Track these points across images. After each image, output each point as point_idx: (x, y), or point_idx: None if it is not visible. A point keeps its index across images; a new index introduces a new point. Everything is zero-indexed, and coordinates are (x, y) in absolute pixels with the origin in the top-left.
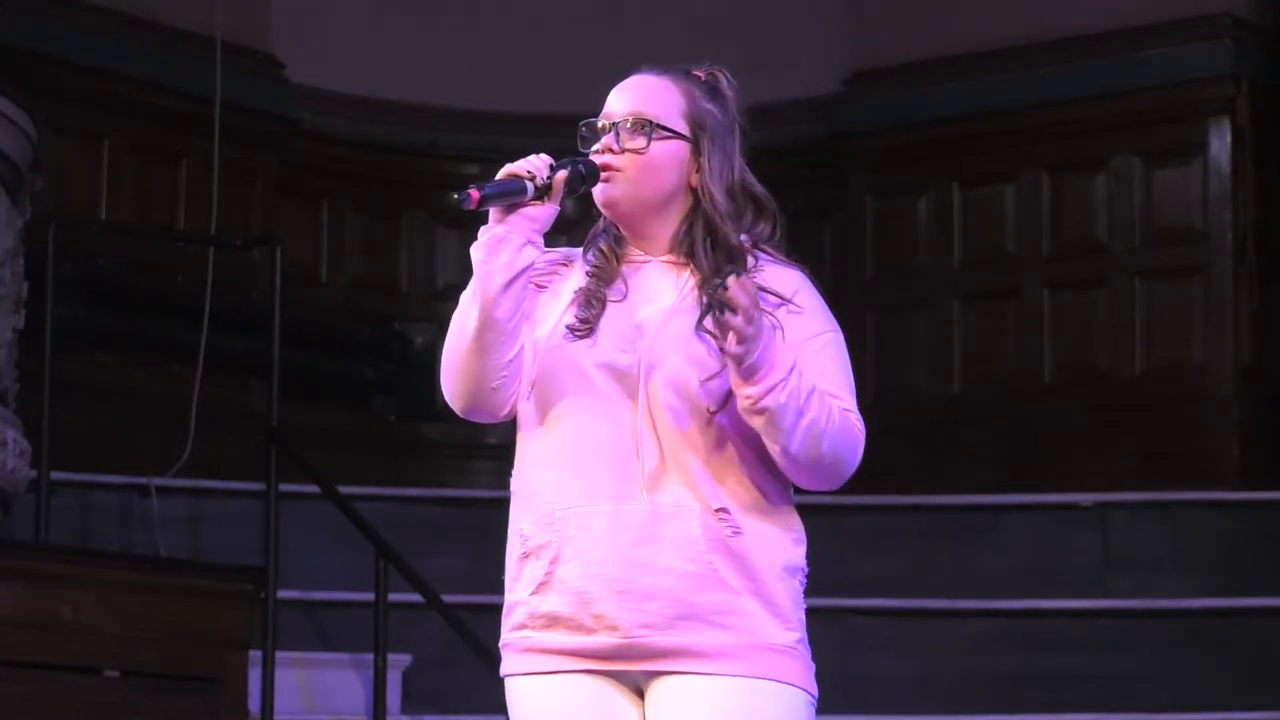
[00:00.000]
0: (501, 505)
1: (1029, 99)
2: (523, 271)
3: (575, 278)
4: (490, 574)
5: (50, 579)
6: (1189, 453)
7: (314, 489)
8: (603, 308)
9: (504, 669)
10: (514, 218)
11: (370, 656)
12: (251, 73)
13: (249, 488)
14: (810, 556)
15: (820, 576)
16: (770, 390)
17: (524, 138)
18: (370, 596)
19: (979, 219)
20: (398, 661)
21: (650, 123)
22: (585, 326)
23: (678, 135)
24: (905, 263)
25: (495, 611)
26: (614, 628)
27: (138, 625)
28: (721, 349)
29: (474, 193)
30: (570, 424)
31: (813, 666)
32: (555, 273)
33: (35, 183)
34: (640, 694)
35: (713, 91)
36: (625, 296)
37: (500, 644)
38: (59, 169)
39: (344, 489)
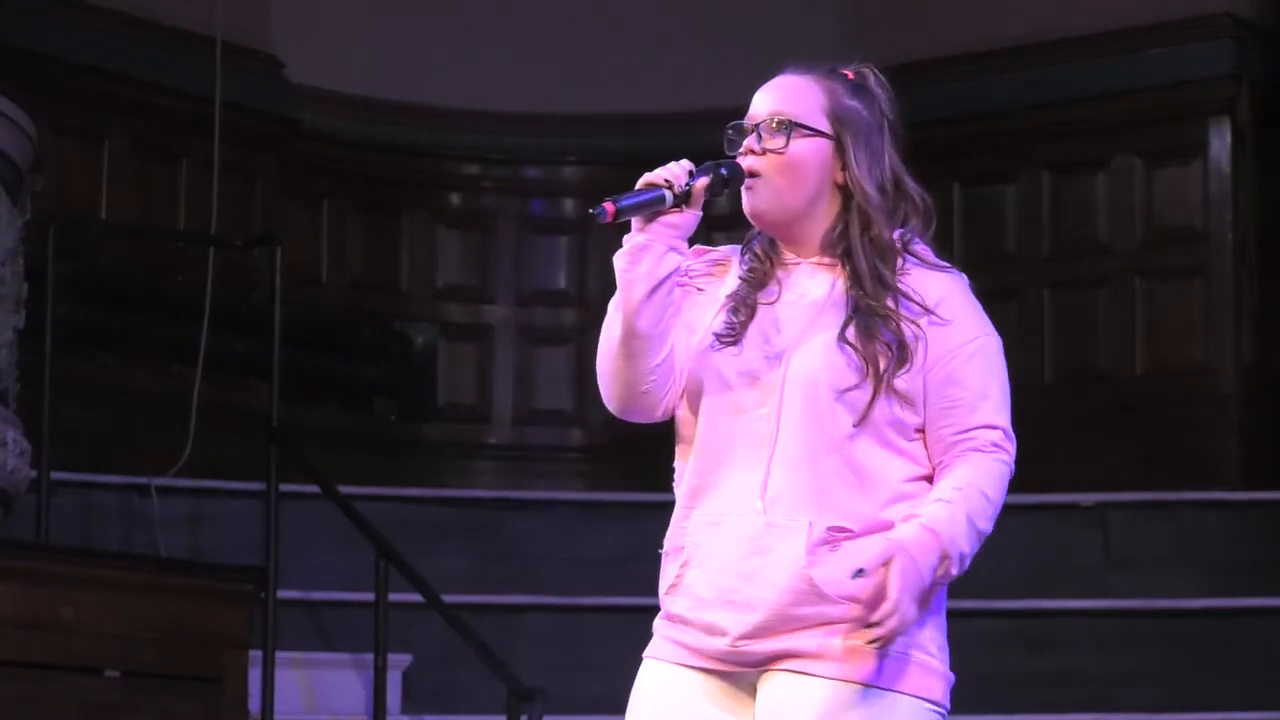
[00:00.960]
0: (500, 505)
1: (1029, 99)
2: (665, 279)
3: (730, 280)
4: (490, 574)
5: (50, 579)
6: (1189, 453)
7: (314, 489)
8: (751, 314)
9: (646, 651)
10: (655, 226)
11: (370, 656)
12: (251, 73)
13: (249, 488)
14: None
15: None
16: (955, 570)
17: (524, 138)
18: (370, 596)
19: (979, 219)
20: (398, 661)
21: (790, 122)
22: (731, 334)
23: (818, 133)
24: None
25: (495, 611)
26: (722, 635)
27: (138, 625)
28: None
29: (609, 205)
30: (709, 431)
31: (941, 675)
32: (711, 274)
33: (35, 183)
34: (754, 693)
35: (858, 89)
36: (777, 300)
37: (653, 626)
38: (59, 169)
39: (344, 489)
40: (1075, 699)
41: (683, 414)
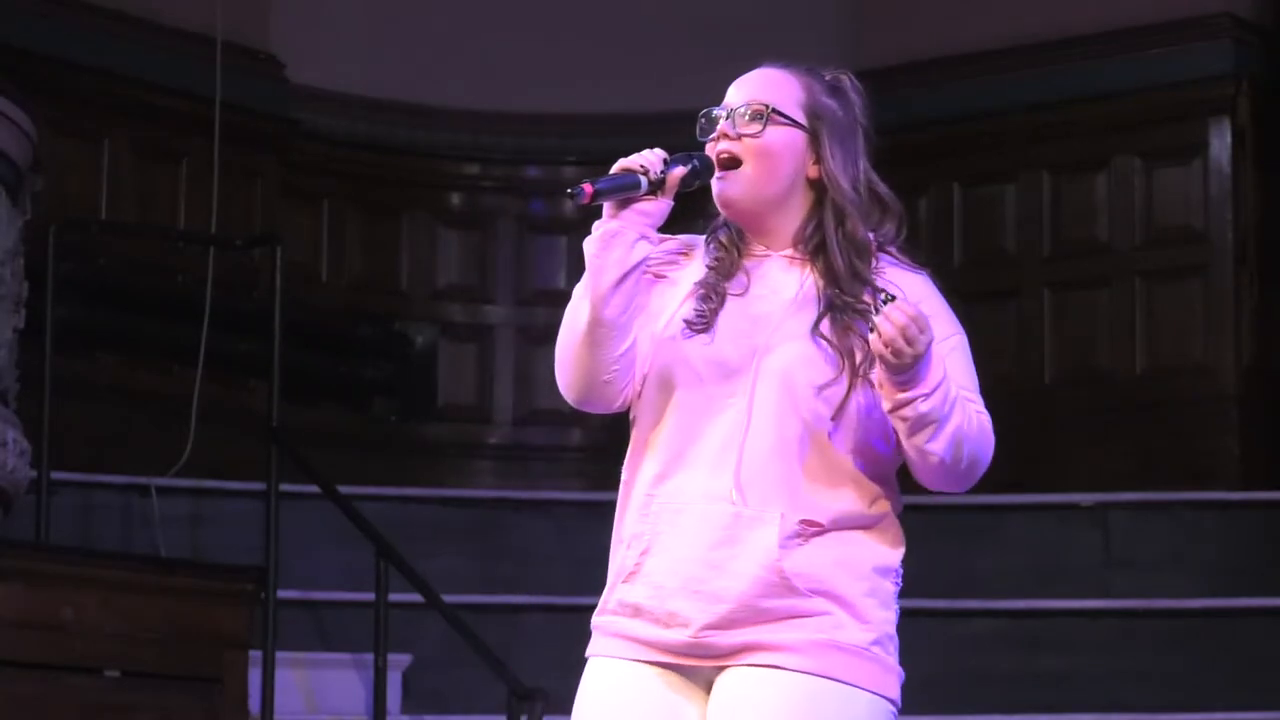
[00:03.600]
0: (500, 505)
1: (1029, 99)
2: (635, 267)
3: (695, 269)
4: (490, 574)
5: (50, 579)
6: (1189, 453)
7: (314, 489)
8: (721, 302)
9: (589, 649)
10: (627, 213)
11: (370, 656)
12: (251, 73)
13: (249, 488)
14: None
15: None
16: (918, 398)
17: (524, 138)
18: (370, 596)
19: (979, 219)
20: (398, 661)
21: (767, 108)
22: (703, 321)
23: (794, 123)
24: None
25: (495, 611)
26: (685, 625)
27: (138, 625)
28: (879, 356)
29: (587, 187)
30: (676, 418)
31: (896, 671)
32: (674, 262)
33: (35, 183)
34: (710, 689)
35: (835, 90)
36: (746, 291)
37: (591, 624)
38: (59, 169)
39: (344, 489)
40: (1075, 699)
41: (644, 401)
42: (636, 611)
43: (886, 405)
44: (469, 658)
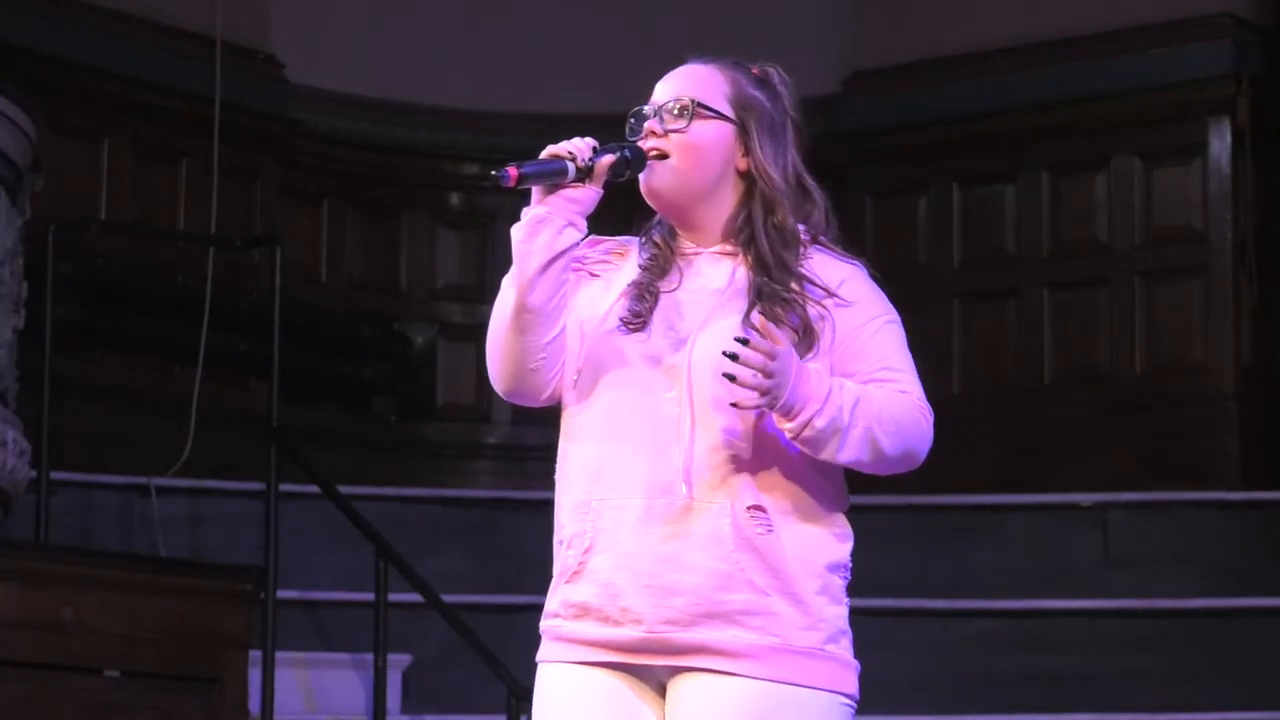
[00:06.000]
0: (500, 505)
1: (1029, 99)
2: (562, 254)
3: (630, 269)
4: (490, 574)
5: (50, 579)
6: (1189, 453)
7: (314, 489)
8: (655, 300)
9: (537, 655)
10: (554, 199)
11: (370, 656)
12: (251, 73)
13: (249, 488)
14: None
15: None
16: (806, 423)
17: (524, 138)
18: (370, 596)
19: (979, 219)
20: (398, 661)
21: (693, 103)
22: (638, 320)
23: (721, 116)
24: (905, 263)
25: (495, 611)
26: (638, 621)
27: (138, 625)
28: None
29: (512, 170)
30: (612, 414)
31: (852, 666)
32: (608, 262)
33: (35, 183)
34: (663, 691)
35: (762, 83)
36: (677, 288)
37: (540, 629)
38: (59, 169)
39: (344, 489)
40: (1075, 699)
41: (575, 398)
42: (583, 611)
43: (789, 435)
44: (469, 658)
